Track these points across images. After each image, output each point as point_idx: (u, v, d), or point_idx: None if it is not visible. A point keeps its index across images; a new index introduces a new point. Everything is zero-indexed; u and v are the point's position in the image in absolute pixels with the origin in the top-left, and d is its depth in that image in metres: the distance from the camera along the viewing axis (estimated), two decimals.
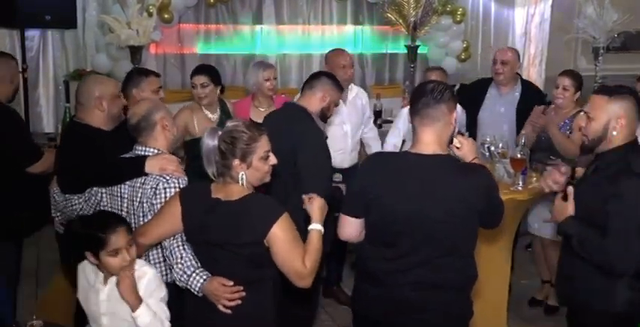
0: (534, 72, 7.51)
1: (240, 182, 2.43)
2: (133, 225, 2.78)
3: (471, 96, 4.75)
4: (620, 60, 7.12)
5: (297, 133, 3.31)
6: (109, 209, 2.90)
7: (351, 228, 2.62)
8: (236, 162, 2.41)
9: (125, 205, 2.83)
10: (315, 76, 3.60)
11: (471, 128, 4.67)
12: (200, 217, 2.45)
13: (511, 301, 4.20)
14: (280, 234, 2.37)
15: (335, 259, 4.50)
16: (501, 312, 4.05)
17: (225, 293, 2.44)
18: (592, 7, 6.67)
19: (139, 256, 2.77)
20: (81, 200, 3.05)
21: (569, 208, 2.70)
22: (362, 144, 4.81)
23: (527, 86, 4.84)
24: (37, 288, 4.57)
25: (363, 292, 2.66)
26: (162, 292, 2.56)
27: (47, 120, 6.47)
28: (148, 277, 2.52)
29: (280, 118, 3.51)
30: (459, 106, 4.41)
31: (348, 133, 4.53)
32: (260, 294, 2.48)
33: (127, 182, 2.81)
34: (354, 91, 4.66)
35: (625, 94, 2.67)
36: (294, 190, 3.06)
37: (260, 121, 4.12)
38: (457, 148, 2.69)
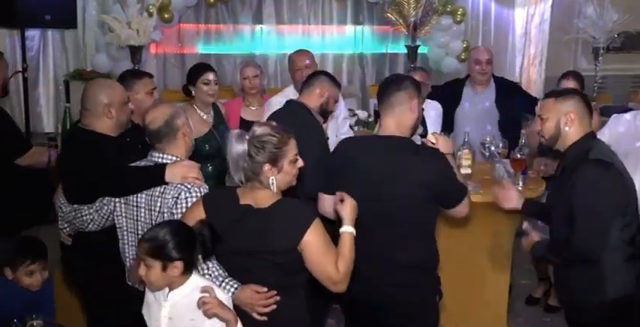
0: (534, 72, 7.51)
1: (270, 187, 2.34)
2: None
3: (445, 96, 4.77)
4: (620, 60, 7.12)
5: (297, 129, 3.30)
6: (124, 218, 2.80)
7: (328, 203, 2.79)
8: (267, 167, 2.32)
9: (142, 214, 2.72)
10: (312, 75, 3.65)
11: (446, 128, 4.70)
12: (228, 225, 2.36)
13: (511, 301, 4.20)
14: (313, 240, 2.31)
15: None
16: (501, 312, 4.05)
17: (261, 300, 2.36)
18: (592, 7, 6.68)
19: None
20: (92, 211, 2.91)
21: (534, 238, 2.94)
22: None
23: (501, 81, 4.90)
24: None
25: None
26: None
27: (47, 120, 6.48)
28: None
29: (284, 115, 3.51)
30: (437, 104, 4.51)
31: None
32: (294, 299, 2.41)
33: (144, 191, 2.71)
34: None
35: (570, 93, 2.86)
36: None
37: (251, 119, 4.12)
38: (432, 143, 2.85)
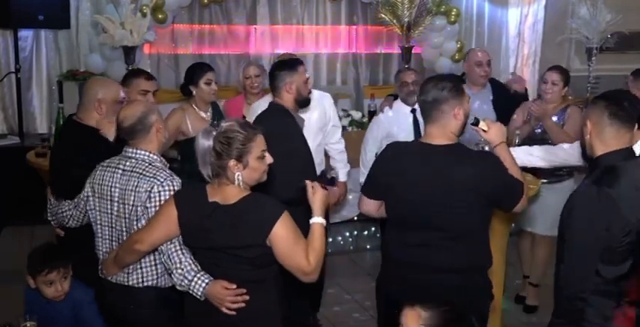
0: (528, 72, 7.52)
1: (236, 183, 2.39)
2: (124, 228, 2.74)
3: None
4: (614, 60, 7.13)
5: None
6: (97, 212, 2.82)
7: (369, 206, 2.90)
8: (232, 162, 2.37)
9: (115, 208, 2.76)
10: (270, 77, 3.68)
11: None
12: (198, 222, 2.42)
13: (506, 300, 4.21)
14: (282, 233, 2.35)
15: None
16: (496, 311, 4.05)
17: (229, 296, 2.41)
18: (585, 7, 6.70)
19: (135, 263, 2.70)
20: (71, 206, 2.98)
21: None
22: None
23: (494, 82, 4.94)
24: None
25: (388, 274, 2.76)
26: None
27: (40, 120, 6.46)
28: None
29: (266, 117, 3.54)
30: None
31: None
32: (264, 292, 2.45)
33: (117, 185, 2.75)
34: (314, 97, 3.93)
35: (599, 99, 2.46)
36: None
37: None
38: (484, 131, 2.84)
